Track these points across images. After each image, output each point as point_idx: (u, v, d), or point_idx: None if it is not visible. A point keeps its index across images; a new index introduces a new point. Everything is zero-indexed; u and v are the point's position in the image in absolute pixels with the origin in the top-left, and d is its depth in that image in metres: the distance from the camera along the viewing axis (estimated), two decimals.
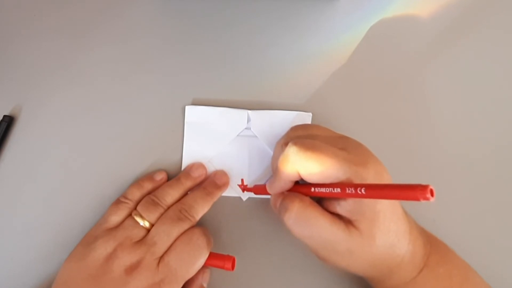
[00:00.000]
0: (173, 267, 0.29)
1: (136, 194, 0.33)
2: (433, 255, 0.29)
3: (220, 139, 0.35)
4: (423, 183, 0.19)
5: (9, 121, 0.35)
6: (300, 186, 0.29)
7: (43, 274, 0.33)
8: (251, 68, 0.37)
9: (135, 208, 0.32)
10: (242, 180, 0.35)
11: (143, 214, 0.31)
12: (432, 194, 0.19)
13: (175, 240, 0.30)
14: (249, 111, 0.35)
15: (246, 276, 0.34)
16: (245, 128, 0.35)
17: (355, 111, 0.37)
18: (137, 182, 0.34)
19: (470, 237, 0.34)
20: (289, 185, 0.29)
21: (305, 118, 0.36)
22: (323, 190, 0.26)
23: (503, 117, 0.37)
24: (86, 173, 0.35)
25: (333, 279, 0.34)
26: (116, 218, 0.31)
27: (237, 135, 0.35)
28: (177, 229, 0.30)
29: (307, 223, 0.27)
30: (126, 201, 0.32)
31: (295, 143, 0.27)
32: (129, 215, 0.32)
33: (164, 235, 0.30)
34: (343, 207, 0.26)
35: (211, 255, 0.31)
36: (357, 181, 0.25)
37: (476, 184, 0.36)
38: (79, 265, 0.29)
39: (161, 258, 0.29)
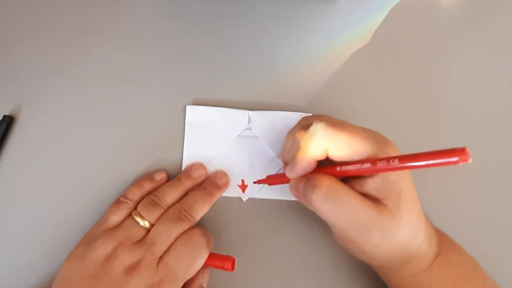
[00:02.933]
0: (172, 267, 0.29)
1: (136, 194, 0.33)
2: (444, 243, 0.29)
3: (220, 139, 0.35)
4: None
5: (9, 121, 0.35)
6: (323, 168, 0.28)
7: (43, 274, 0.33)
8: (252, 68, 0.37)
9: (135, 208, 0.32)
10: (242, 180, 0.35)
11: (143, 214, 0.31)
12: (469, 156, 0.18)
13: (175, 240, 0.30)
14: (250, 112, 0.35)
15: (246, 276, 0.34)
16: (246, 129, 0.35)
17: (356, 111, 0.37)
18: (137, 182, 0.34)
19: (470, 237, 0.34)
20: (313, 165, 0.28)
21: None
22: (351, 168, 0.25)
23: (505, 116, 0.37)
24: (86, 173, 0.35)
25: (333, 279, 0.34)
26: (116, 218, 0.31)
27: (238, 136, 0.35)
28: (177, 229, 0.30)
29: (337, 200, 0.26)
30: (126, 201, 0.32)
31: (322, 120, 0.26)
32: (129, 215, 0.32)
33: (164, 235, 0.30)
34: (370, 185, 0.26)
35: (211, 256, 0.31)
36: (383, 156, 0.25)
37: (477, 183, 0.36)
38: (79, 264, 0.29)
39: (160, 258, 0.29)
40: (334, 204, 0.26)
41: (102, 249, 0.29)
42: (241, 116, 0.35)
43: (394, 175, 0.26)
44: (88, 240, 0.31)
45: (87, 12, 0.37)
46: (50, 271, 0.33)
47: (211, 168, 0.35)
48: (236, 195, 0.35)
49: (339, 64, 0.37)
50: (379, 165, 0.23)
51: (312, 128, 0.27)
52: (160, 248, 0.30)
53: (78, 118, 0.36)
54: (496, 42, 0.39)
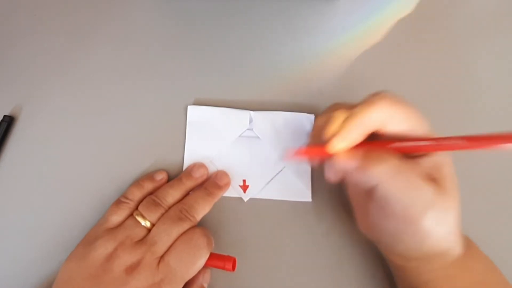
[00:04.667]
0: (172, 267, 0.29)
1: (136, 194, 0.33)
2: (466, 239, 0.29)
3: (222, 140, 0.35)
4: None
5: (9, 121, 0.35)
6: (372, 143, 0.27)
7: (43, 274, 0.33)
8: (253, 68, 0.37)
9: (136, 208, 0.32)
10: (243, 180, 0.35)
11: (145, 214, 0.31)
12: None
13: (175, 240, 0.30)
14: (251, 112, 0.35)
15: (247, 276, 0.34)
16: (247, 129, 0.35)
17: None
18: (138, 182, 0.34)
19: (470, 237, 0.34)
20: (362, 137, 0.26)
21: (308, 119, 0.36)
22: (409, 144, 0.26)
23: (504, 117, 0.37)
24: (86, 173, 0.35)
25: (334, 280, 0.34)
26: (117, 218, 0.31)
27: (239, 136, 0.35)
28: (177, 229, 0.30)
29: (403, 177, 0.25)
30: (127, 201, 0.32)
31: (386, 94, 0.27)
32: (130, 215, 0.32)
33: (165, 235, 0.30)
34: (426, 164, 0.26)
35: (212, 256, 0.31)
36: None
37: (477, 184, 0.36)
38: (80, 264, 0.29)
39: (161, 258, 0.29)
40: (400, 180, 0.25)
41: (103, 249, 0.29)
42: (242, 116, 0.35)
43: (441, 159, 0.26)
44: (89, 240, 0.30)
45: (88, 12, 0.37)
46: (50, 271, 0.33)
47: (212, 168, 0.35)
48: (237, 195, 0.35)
49: (339, 64, 0.37)
50: (444, 143, 0.24)
51: (376, 97, 0.26)
52: (161, 248, 0.29)
53: (78, 118, 0.36)
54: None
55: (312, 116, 0.36)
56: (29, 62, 0.36)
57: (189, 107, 0.35)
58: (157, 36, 0.37)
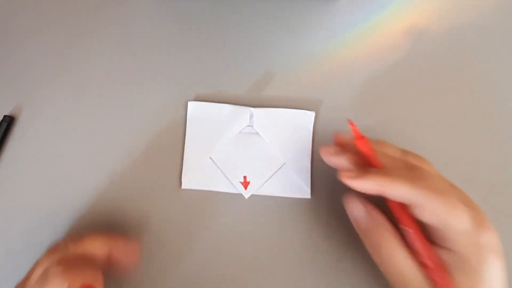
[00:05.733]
0: None
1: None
2: None
3: (222, 136, 0.35)
4: None
5: (9, 121, 0.35)
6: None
7: None
8: (253, 66, 0.37)
9: None
10: (244, 177, 0.34)
11: None
12: None
13: None
14: (252, 108, 0.35)
15: (247, 272, 0.33)
16: (247, 125, 0.35)
17: (355, 109, 0.37)
18: None
19: None
20: (374, 193, 0.26)
21: (308, 116, 0.35)
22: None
23: (503, 119, 0.37)
24: (86, 173, 0.35)
25: (336, 280, 0.33)
26: None
27: (239, 132, 0.35)
28: (47, 261, 0.27)
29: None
30: None
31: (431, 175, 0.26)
32: None
33: (39, 268, 0.27)
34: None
35: None
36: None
37: (477, 186, 0.35)
38: None
39: None
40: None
41: None
42: (243, 112, 0.35)
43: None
44: None
45: (87, 11, 0.38)
46: None
47: (212, 165, 0.35)
48: (238, 192, 0.34)
49: (339, 63, 0.37)
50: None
51: (416, 173, 0.26)
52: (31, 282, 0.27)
53: (79, 118, 0.36)
54: None
55: (312, 113, 0.35)
56: (29, 62, 0.36)
57: (189, 103, 0.35)
58: (158, 34, 0.37)
